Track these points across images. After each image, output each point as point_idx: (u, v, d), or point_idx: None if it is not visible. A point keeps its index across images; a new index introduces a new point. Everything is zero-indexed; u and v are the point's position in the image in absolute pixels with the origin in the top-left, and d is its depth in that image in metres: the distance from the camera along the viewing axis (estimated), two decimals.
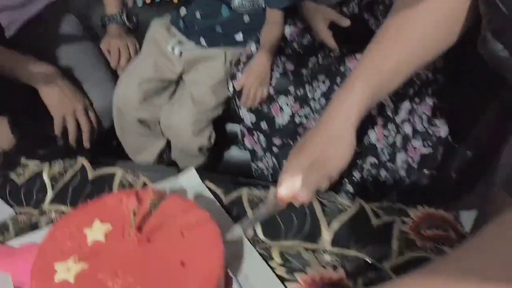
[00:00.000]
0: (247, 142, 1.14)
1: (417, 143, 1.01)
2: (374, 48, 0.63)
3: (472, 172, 1.01)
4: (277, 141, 1.08)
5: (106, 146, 1.30)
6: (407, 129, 1.01)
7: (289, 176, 0.60)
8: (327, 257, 0.67)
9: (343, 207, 0.75)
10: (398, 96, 1.00)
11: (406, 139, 1.01)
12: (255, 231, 0.69)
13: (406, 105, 1.00)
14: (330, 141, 0.61)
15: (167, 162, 1.31)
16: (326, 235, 0.70)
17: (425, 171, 1.03)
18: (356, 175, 1.03)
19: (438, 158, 1.02)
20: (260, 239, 0.69)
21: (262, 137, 1.11)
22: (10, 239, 0.68)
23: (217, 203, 0.72)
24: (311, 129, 0.63)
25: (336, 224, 0.71)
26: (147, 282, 0.50)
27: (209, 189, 0.74)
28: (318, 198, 0.75)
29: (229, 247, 0.59)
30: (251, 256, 0.65)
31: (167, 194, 0.62)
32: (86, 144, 1.12)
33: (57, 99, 1.09)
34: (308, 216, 0.72)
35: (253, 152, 1.15)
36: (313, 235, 0.70)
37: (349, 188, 1.06)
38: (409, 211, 0.74)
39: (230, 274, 0.61)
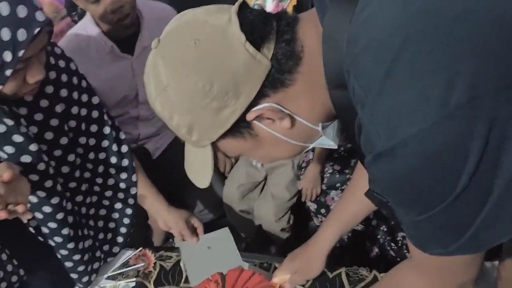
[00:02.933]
0: (315, 221, 1.52)
1: None
2: (339, 204, 1.01)
3: None
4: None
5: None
6: None
7: (281, 272, 1.01)
8: None
9: (363, 276, 1.09)
10: None
11: None
12: None
13: None
14: (309, 261, 1.03)
15: (263, 236, 1.74)
16: None
17: None
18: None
19: None
20: None
21: (323, 218, 1.47)
22: None
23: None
24: (302, 248, 1.03)
25: None
26: None
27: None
28: (346, 271, 1.11)
29: None
30: None
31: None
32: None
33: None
34: (337, 285, 1.08)
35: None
36: None
37: None
38: None
39: None
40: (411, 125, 0.47)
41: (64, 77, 1.02)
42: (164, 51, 0.59)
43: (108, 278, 1.27)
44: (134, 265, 1.29)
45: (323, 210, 1.44)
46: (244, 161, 1.66)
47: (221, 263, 1.16)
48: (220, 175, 1.74)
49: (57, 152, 1.04)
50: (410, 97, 0.47)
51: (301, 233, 1.74)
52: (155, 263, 1.28)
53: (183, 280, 1.19)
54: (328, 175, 1.42)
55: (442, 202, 0.50)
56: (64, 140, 1.04)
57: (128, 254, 1.34)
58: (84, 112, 1.09)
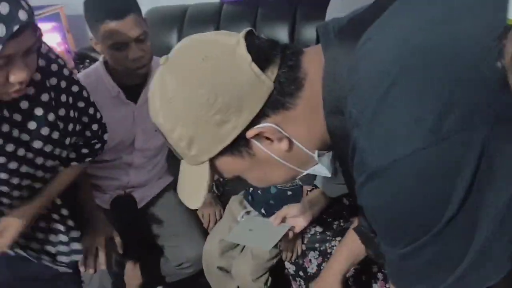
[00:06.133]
0: (293, 285, 1.46)
1: None
2: (349, 234, 1.06)
3: None
4: (311, 285, 1.38)
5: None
6: None
7: None
8: None
9: None
10: None
11: None
12: None
13: None
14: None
15: None
16: None
17: None
18: None
19: None
20: None
21: (302, 282, 1.40)
22: None
23: None
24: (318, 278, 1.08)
25: None
26: None
27: None
28: None
29: None
30: None
31: None
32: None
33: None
34: None
35: None
36: None
37: None
38: None
39: None
40: (406, 145, 0.49)
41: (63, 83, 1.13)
42: (172, 66, 0.62)
43: None
44: None
45: (301, 273, 1.39)
46: (228, 216, 1.63)
47: (275, 231, 1.27)
48: (202, 231, 1.71)
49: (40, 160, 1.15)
50: (406, 118, 0.49)
51: None
52: None
53: None
54: (309, 235, 1.39)
55: (430, 230, 0.50)
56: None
57: None
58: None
